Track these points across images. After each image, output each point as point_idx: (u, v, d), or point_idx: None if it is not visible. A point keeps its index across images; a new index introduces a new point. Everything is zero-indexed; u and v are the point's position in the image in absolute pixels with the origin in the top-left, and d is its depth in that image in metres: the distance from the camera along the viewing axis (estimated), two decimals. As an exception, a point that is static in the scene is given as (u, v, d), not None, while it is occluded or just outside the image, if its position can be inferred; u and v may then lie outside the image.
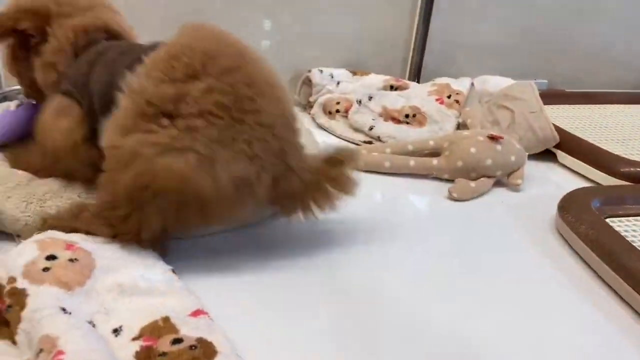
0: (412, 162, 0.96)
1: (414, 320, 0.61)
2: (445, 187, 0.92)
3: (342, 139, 1.11)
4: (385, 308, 0.62)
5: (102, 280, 0.55)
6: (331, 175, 0.66)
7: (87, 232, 0.61)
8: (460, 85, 1.19)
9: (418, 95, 1.15)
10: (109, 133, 0.62)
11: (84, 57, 0.72)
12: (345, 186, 0.66)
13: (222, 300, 0.59)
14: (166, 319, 0.51)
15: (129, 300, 0.54)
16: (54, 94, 0.73)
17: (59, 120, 0.69)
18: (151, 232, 0.60)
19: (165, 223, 0.60)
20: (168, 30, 1.15)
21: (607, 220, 0.79)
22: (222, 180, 0.58)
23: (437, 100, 1.13)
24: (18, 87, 1.04)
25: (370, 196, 0.89)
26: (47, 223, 0.62)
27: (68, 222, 0.62)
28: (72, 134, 0.68)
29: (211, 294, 0.59)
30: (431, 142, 0.99)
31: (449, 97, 1.14)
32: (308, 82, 1.23)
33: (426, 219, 0.85)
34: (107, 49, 0.71)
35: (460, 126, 1.10)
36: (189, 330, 0.50)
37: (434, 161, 0.96)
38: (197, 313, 0.53)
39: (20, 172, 0.71)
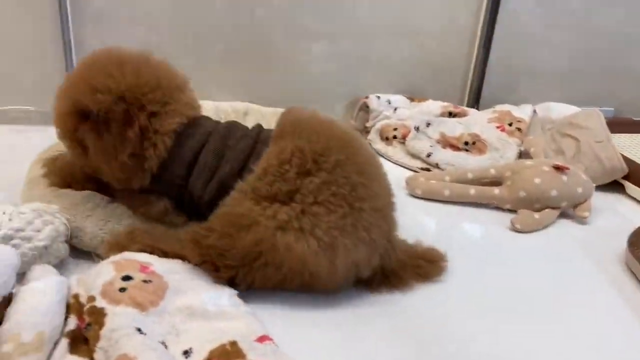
0: (472, 190, 0.95)
1: (480, 354, 0.59)
2: (506, 217, 0.90)
3: (399, 165, 1.11)
4: (447, 340, 0.61)
5: (173, 301, 0.57)
6: (420, 264, 0.70)
7: (175, 254, 0.64)
8: (522, 112, 1.17)
9: (478, 122, 1.14)
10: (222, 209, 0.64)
11: (186, 151, 0.69)
12: (431, 275, 0.71)
13: (284, 327, 0.60)
14: (234, 343, 0.52)
15: (198, 323, 0.55)
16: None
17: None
18: (246, 286, 0.63)
19: (265, 285, 0.63)
20: (232, 60, 1.20)
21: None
22: (339, 265, 0.61)
23: (498, 127, 1.11)
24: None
25: (428, 225, 0.89)
26: (137, 240, 0.65)
27: (153, 241, 0.65)
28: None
29: (273, 320, 0.60)
30: (492, 171, 0.97)
31: (510, 124, 1.12)
32: (365, 107, 1.24)
33: (487, 250, 0.83)
34: (212, 133, 0.71)
35: (522, 155, 1.08)
36: (256, 355, 0.51)
37: (496, 190, 0.94)
38: (263, 339, 0.54)
39: (99, 195, 0.75)
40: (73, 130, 0.68)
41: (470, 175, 0.98)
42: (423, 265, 0.70)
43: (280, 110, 1.13)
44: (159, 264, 0.62)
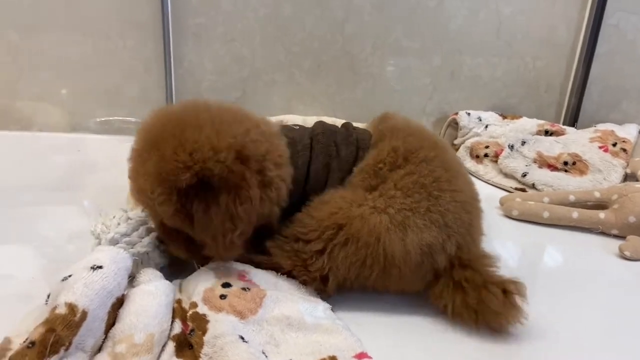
0: (575, 214, 0.89)
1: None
2: (613, 243, 0.83)
3: (491, 185, 1.06)
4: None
5: (271, 310, 0.57)
6: (497, 292, 0.60)
7: (268, 263, 0.65)
8: (626, 132, 1.09)
9: (578, 141, 1.07)
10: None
11: (298, 177, 0.66)
12: (509, 312, 0.60)
13: (380, 344, 0.58)
14: (333, 358, 0.52)
15: (296, 334, 0.55)
16: None
17: None
18: (335, 280, 0.62)
19: (346, 275, 0.62)
20: (321, 75, 1.21)
21: None
22: (410, 244, 0.61)
23: (600, 147, 1.04)
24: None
25: (527, 248, 0.84)
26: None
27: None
28: None
29: (369, 337, 0.58)
30: (597, 194, 0.91)
31: (614, 145, 1.05)
32: (454, 124, 1.21)
33: (591, 278, 0.77)
34: (312, 146, 0.70)
35: (628, 177, 1.01)
36: (357, 373, 0.50)
37: (601, 214, 0.88)
38: (361, 356, 0.53)
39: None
40: (181, 200, 0.57)
41: (572, 198, 0.92)
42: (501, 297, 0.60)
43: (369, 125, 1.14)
44: (254, 273, 0.63)
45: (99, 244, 0.65)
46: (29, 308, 0.54)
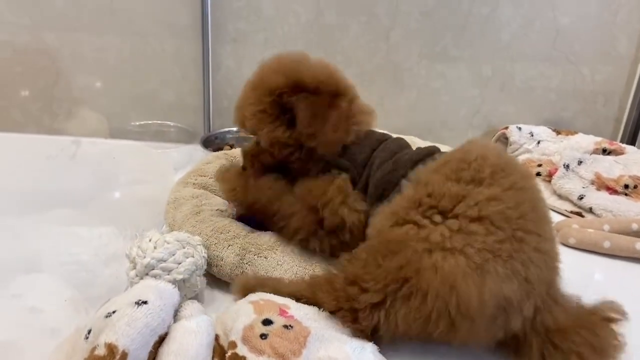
0: (639, 244, 0.82)
1: None
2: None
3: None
4: None
5: (316, 351, 0.53)
6: (595, 330, 0.56)
7: (310, 299, 0.60)
8: (695, 153, 1.01)
9: (639, 162, 1.00)
10: (380, 218, 0.61)
11: (367, 143, 0.70)
12: (607, 350, 0.56)
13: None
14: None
15: (343, 380, 0.51)
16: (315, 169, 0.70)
17: (347, 197, 0.66)
18: (388, 336, 0.56)
19: (406, 331, 0.55)
20: (365, 84, 1.16)
21: None
22: (488, 295, 0.52)
23: (665, 170, 0.97)
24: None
25: (588, 281, 0.78)
26: (267, 284, 0.62)
27: (282, 286, 0.62)
28: (361, 216, 0.66)
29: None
30: (664, 223, 0.84)
31: (681, 167, 0.97)
32: (503, 139, 1.15)
33: None
34: (385, 139, 0.71)
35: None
36: None
37: (669, 247, 0.81)
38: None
39: (240, 224, 0.73)
40: (281, 102, 0.68)
41: (635, 226, 0.85)
42: (596, 328, 0.56)
43: (414, 138, 1.09)
44: (296, 308, 0.59)
45: (134, 268, 0.63)
46: (59, 340, 0.51)
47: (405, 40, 1.15)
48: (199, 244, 0.67)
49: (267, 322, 0.55)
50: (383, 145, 0.69)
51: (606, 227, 0.86)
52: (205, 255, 0.67)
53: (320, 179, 0.68)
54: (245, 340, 0.52)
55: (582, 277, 0.78)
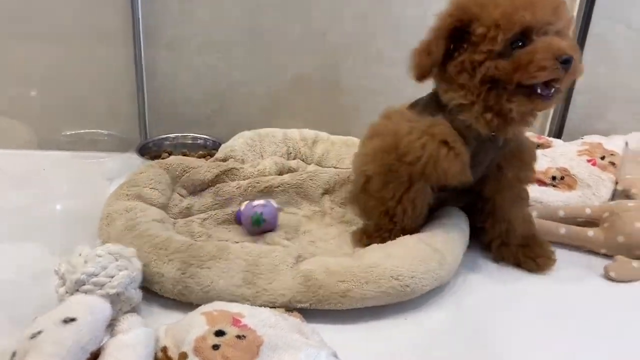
0: (562, 229, 0.86)
1: None
2: (600, 263, 0.81)
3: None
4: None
5: (269, 359, 0.52)
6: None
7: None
8: (614, 144, 1.07)
9: (566, 155, 1.05)
10: None
11: None
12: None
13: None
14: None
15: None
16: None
17: None
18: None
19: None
20: (303, 87, 1.15)
21: None
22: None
23: (589, 161, 1.02)
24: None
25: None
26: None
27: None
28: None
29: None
30: (587, 210, 0.89)
31: (602, 158, 1.02)
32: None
33: (574, 299, 0.75)
34: None
35: (617, 193, 0.98)
36: None
37: (590, 232, 0.85)
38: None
39: (181, 238, 0.72)
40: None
41: (561, 213, 0.90)
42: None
43: (352, 138, 1.10)
44: (251, 316, 0.58)
45: (63, 285, 0.60)
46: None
47: (342, 43, 1.16)
48: (134, 256, 0.66)
49: (219, 333, 0.54)
50: None
51: (534, 213, 0.89)
52: (140, 267, 0.65)
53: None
54: (197, 351, 0.51)
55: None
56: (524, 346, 0.65)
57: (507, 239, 0.80)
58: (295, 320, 0.60)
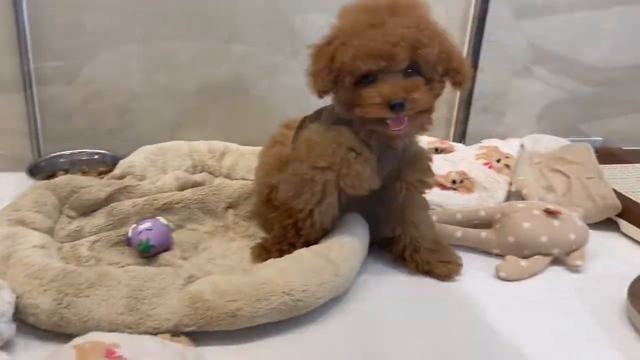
0: (459, 233, 0.90)
1: None
2: (495, 263, 0.84)
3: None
4: None
5: None
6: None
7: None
8: (509, 147, 1.12)
9: (465, 158, 1.09)
10: None
11: None
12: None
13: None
14: None
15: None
16: None
17: None
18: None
19: None
20: (208, 98, 1.13)
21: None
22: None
23: (485, 164, 1.07)
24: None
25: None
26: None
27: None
28: None
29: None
30: (482, 213, 0.92)
31: (498, 161, 1.07)
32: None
33: (469, 299, 0.78)
34: None
35: (512, 194, 1.03)
36: None
37: (483, 234, 0.89)
38: None
39: (57, 264, 0.68)
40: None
41: (458, 216, 0.93)
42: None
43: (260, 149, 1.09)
44: (128, 346, 0.55)
45: None
46: None
47: (245, 53, 1.15)
48: (5, 288, 0.61)
49: None
50: None
51: (434, 217, 0.92)
52: (12, 300, 0.61)
53: None
54: None
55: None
56: (421, 351, 0.66)
57: (418, 243, 0.82)
58: (178, 346, 0.58)
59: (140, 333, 0.61)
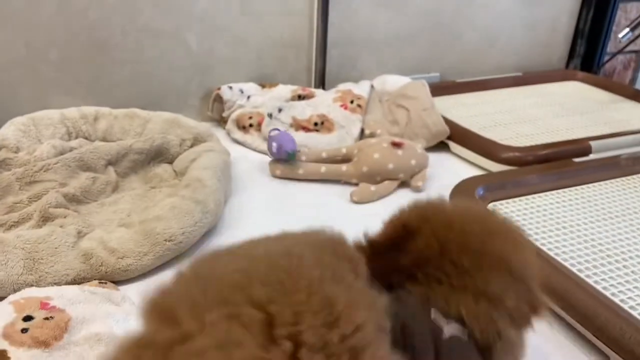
0: (323, 168, 1.05)
1: None
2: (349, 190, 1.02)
3: (259, 152, 1.17)
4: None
5: (78, 332, 0.59)
6: None
7: None
8: (361, 89, 1.29)
9: (324, 103, 1.24)
10: None
11: None
12: None
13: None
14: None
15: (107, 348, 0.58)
16: None
17: None
18: None
19: None
20: (72, 66, 1.15)
21: (491, 205, 0.92)
22: None
23: (341, 106, 1.22)
24: None
25: (285, 199, 0.99)
26: None
27: None
28: None
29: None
30: (343, 150, 1.09)
31: (352, 102, 1.23)
32: (219, 98, 1.28)
33: (329, 221, 0.93)
34: None
35: (364, 133, 1.20)
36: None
37: (343, 167, 1.05)
38: None
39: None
40: None
41: (324, 155, 1.09)
42: None
43: (135, 110, 1.14)
44: (59, 297, 0.63)
45: None
46: None
47: (106, 17, 1.16)
48: None
49: (27, 318, 0.59)
50: None
51: (303, 158, 1.08)
52: None
53: None
54: (6, 336, 0.56)
55: (279, 197, 1.00)
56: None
57: None
58: (105, 290, 0.67)
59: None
